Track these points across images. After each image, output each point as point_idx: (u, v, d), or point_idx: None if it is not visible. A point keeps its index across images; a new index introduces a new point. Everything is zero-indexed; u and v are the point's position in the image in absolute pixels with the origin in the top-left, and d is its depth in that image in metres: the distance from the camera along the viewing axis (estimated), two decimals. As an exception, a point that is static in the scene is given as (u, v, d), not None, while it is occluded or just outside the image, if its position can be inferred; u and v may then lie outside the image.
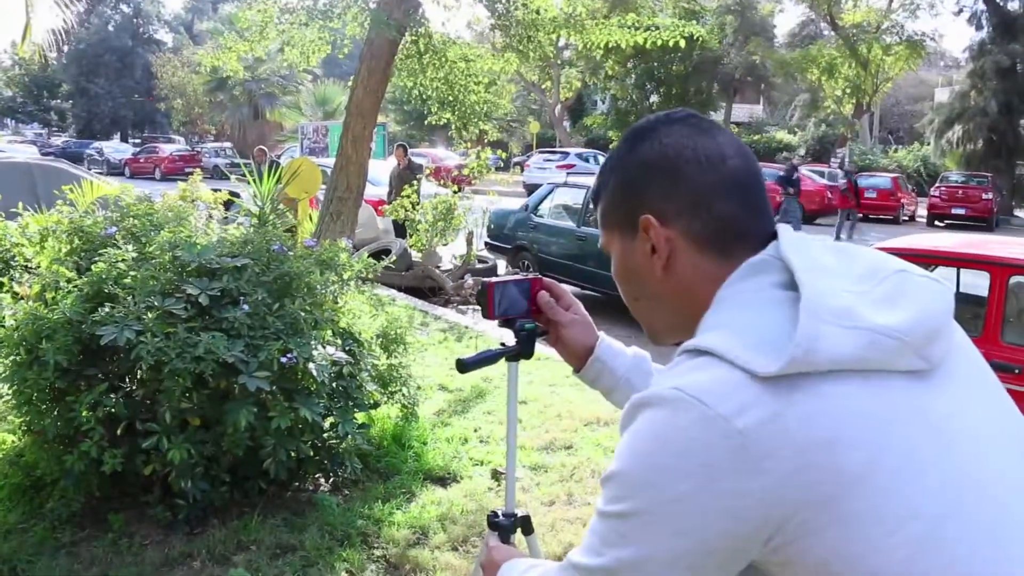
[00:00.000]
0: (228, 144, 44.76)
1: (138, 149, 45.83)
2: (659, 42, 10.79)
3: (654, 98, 41.14)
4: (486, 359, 1.80)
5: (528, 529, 2.16)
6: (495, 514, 2.03)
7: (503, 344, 1.82)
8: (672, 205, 1.17)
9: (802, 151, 41.61)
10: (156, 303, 3.95)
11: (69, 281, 4.25)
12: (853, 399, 0.98)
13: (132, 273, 4.16)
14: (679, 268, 1.18)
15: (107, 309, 3.97)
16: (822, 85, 37.56)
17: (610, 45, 11.43)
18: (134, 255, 4.29)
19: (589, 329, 1.72)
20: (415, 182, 11.59)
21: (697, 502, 0.97)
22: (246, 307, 3.98)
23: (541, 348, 6.89)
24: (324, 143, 28.07)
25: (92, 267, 4.30)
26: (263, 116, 43.36)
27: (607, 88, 41.94)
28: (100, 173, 21.29)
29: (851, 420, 0.97)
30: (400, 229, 12.12)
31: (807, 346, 0.97)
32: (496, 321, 1.76)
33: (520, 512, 2.11)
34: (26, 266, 8.21)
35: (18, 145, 32.14)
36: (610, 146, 41.37)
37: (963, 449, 1.02)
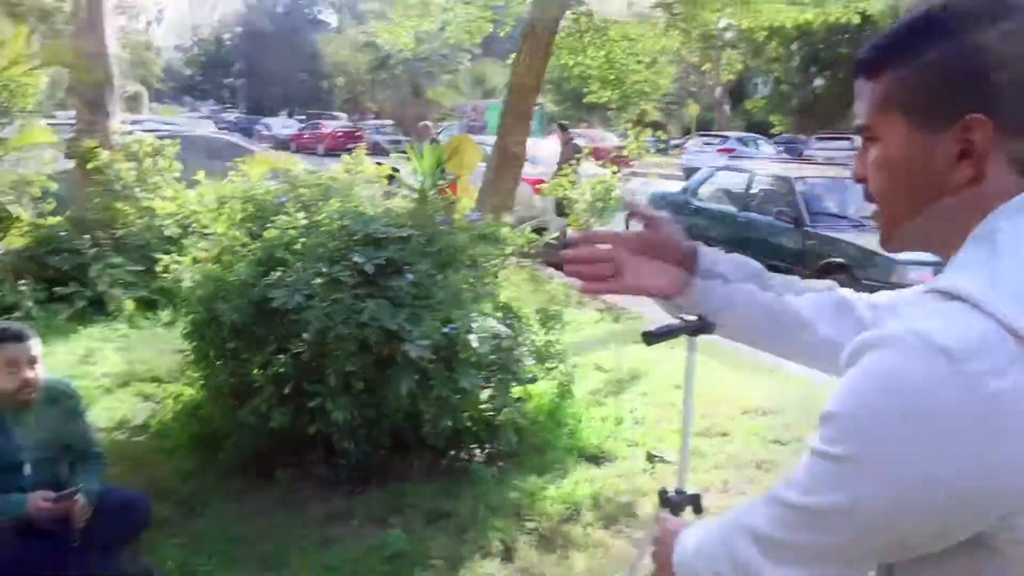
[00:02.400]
0: (389, 122, 45.95)
1: (303, 125, 47.58)
2: (831, 19, 10.34)
3: (818, 81, 39.65)
4: (671, 332, 1.76)
5: (698, 508, 2.12)
6: (667, 491, 2.00)
7: (683, 319, 1.76)
8: (1018, 114, 0.96)
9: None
10: (324, 269, 4.08)
11: (244, 246, 4.43)
12: None
13: (302, 240, 4.31)
14: (986, 186, 0.98)
15: (278, 273, 4.13)
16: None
17: (774, 25, 11.03)
18: (304, 223, 4.44)
19: (680, 235, 1.49)
20: (574, 161, 11.55)
21: (925, 459, 0.87)
22: (411, 276, 4.06)
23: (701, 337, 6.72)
24: (482, 121, 28.40)
25: (264, 233, 4.48)
26: (423, 94, 44.25)
27: (769, 71, 40.70)
28: (268, 147, 22.19)
29: None
30: (562, 209, 12.11)
31: None
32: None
33: (691, 491, 2.07)
34: (203, 232, 8.67)
35: (196, 120, 33.86)
36: (771, 131, 40.25)
37: None
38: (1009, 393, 0.83)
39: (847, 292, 1.45)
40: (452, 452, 4.75)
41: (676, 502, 2.00)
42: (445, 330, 4.01)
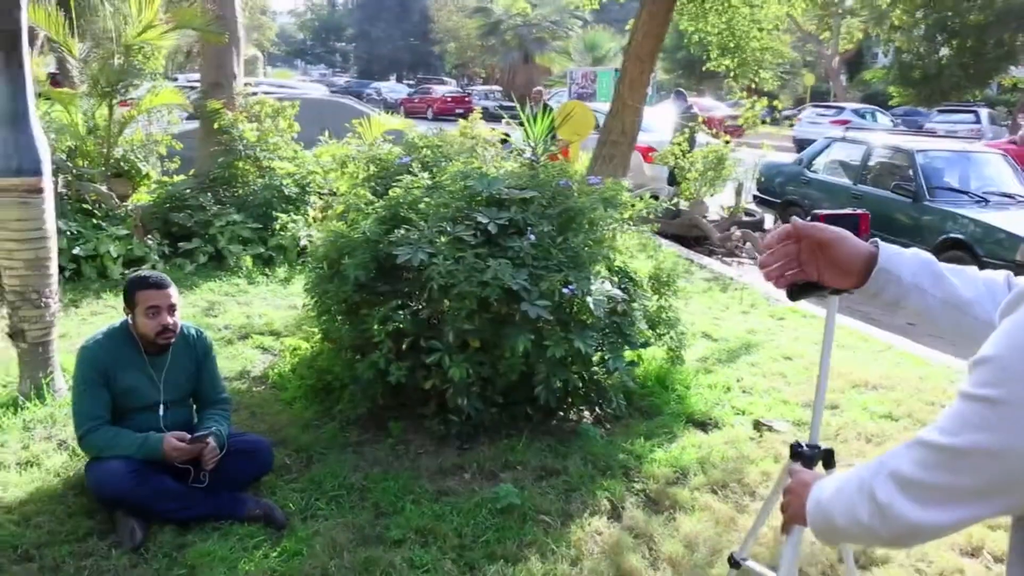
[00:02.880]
0: (497, 88, 46.00)
1: (412, 90, 48.06)
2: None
3: (944, 51, 37.96)
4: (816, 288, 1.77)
5: (830, 463, 2.14)
6: (799, 444, 2.03)
7: None
8: None
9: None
10: (447, 228, 4.17)
11: (369, 204, 4.56)
12: None
13: (425, 199, 4.40)
14: None
15: (402, 231, 4.23)
16: None
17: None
18: (428, 183, 4.53)
19: (858, 241, 1.55)
20: (687, 130, 11.42)
21: None
22: (532, 237, 4.11)
23: (810, 307, 6.64)
24: (592, 89, 28.15)
25: (389, 192, 4.59)
26: (532, 60, 44.09)
27: (891, 40, 39.09)
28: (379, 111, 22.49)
29: None
30: (674, 178, 12.02)
31: None
32: None
33: (824, 445, 2.09)
34: (319, 191, 8.93)
35: (309, 84, 34.55)
36: (890, 103, 38.80)
37: None
38: None
39: None
40: (560, 413, 4.82)
41: (808, 456, 2.02)
42: (565, 291, 4.06)
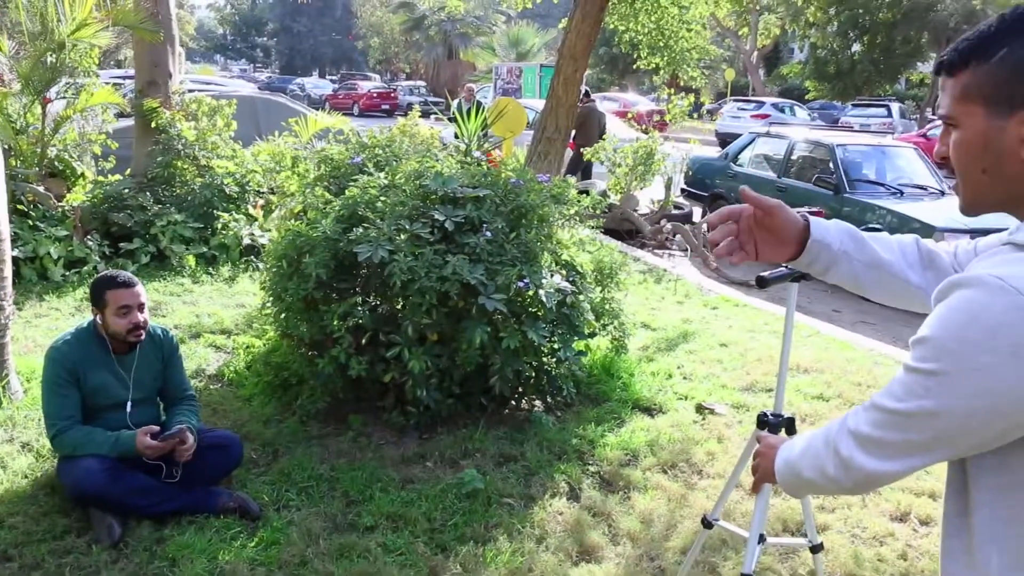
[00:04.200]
0: (422, 83, 45.96)
1: (337, 85, 47.73)
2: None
3: (856, 47, 39.20)
4: (780, 276, 2.01)
5: (792, 430, 2.39)
6: (765, 414, 2.27)
7: (787, 266, 2.01)
8: None
9: None
10: (405, 226, 4.33)
11: (327, 203, 4.69)
12: None
13: (382, 198, 4.55)
14: None
15: (361, 230, 4.38)
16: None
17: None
18: (384, 182, 4.68)
19: (792, 213, 1.70)
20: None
21: (998, 374, 1.15)
22: (488, 233, 4.30)
23: (742, 296, 6.98)
24: (517, 84, 28.39)
25: (345, 191, 4.72)
26: (457, 56, 44.19)
27: (806, 36, 40.22)
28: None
29: None
30: (575, 168, 12.32)
31: None
32: None
33: (787, 414, 2.34)
34: (259, 190, 8.96)
35: (234, 80, 34.07)
36: (806, 97, 39.87)
37: None
38: None
39: (930, 243, 1.72)
40: (514, 402, 5.02)
41: (774, 424, 2.29)
42: (519, 284, 4.25)
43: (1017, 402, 1.15)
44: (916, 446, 1.27)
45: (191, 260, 7.85)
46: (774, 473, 1.62)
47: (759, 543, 2.54)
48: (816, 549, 3.03)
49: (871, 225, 9.26)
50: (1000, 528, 1.26)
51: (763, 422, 2.33)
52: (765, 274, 2.06)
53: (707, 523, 3.06)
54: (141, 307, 3.83)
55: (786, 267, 2.06)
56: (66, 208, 7.88)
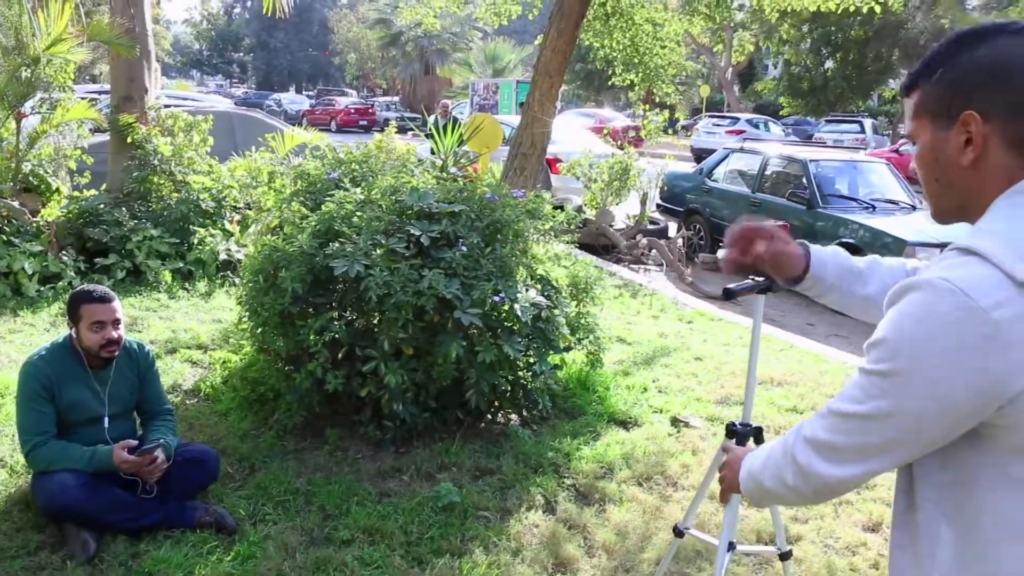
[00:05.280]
0: (399, 99, 46.05)
1: (315, 101, 47.71)
2: (851, 8, 10.59)
3: (829, 64, 39.69)
4: (746, 289, 2.08)
5: (760, 440, 2.44)
6: (734, 424, 2.33)
7: (753, 279, 2.07)
8: (997, 107, 1.30)
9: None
10: (381, 241, 4.36)
11: (304, 218, 4.71)
12: None
13: (358, 214, 4.58)
14: (987, 163, 1.33)
15: (337, 244, 4.40)
16: (1018, 53, 34.99)
17: (790, 9, 11.26)
18: (361, 197, 4.71)
19: (795, 246, 1.88)
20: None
21: (948, 372, 1.22)
22: (464, 248, 4.34)
23: (716, 310, 7.07)
24: (494, 100, 28.50)
25: (322, 206, 4.75)
26: (433, 72, 44.30)
27: (780, 52, 40.68)
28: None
29: None
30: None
31: None
32: None
33: (754, 424, 2.39)
34: (235, 205, 8.96)
35: (210, 95, 33.99)
36: (780, 112, 40.25)
37: None
38: (1006, 321, 1.19)
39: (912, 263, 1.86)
40: (490, 416, 5.05)
41: (742, 433, 2.34)
42: (495, 299, 4.29)
43: (966, 398, 1.23)
44: (872, 449, 1.33)
45: (167, 275, 7.83)
46: (739, 483, 1.67)
47: (729, 551, 2.59)
48: (785, 556, 3.08)
49: (844, 239, 9.37)
50: (942, 522, 1.33)
51: (732, 432, 2.40)
52: (731, 286, 2.14)
53: (678, 532, 3.10)
54: (116, 323, 3.83)
55: (752, 280, 2.12)
56: (41, 223, 7.85)
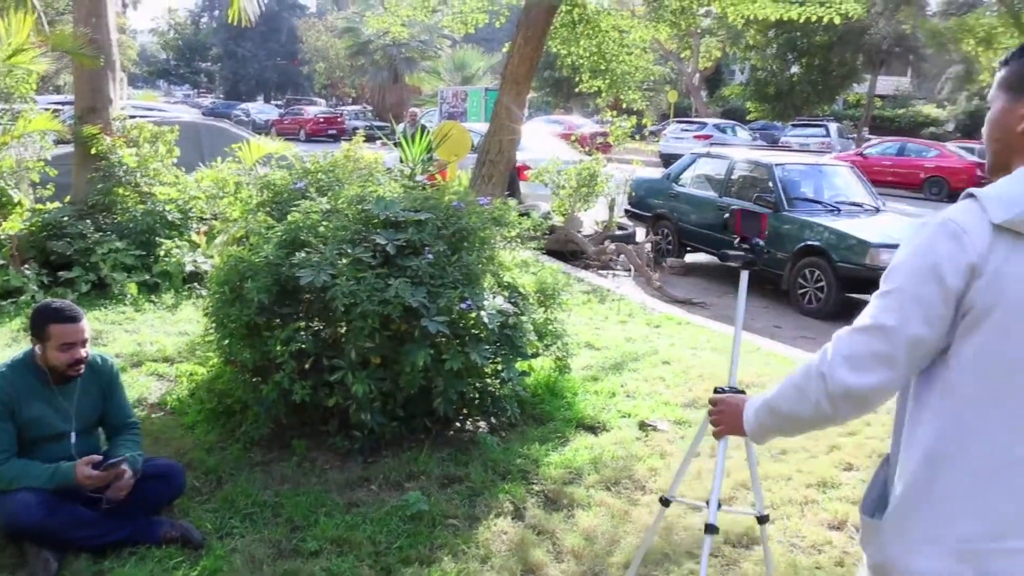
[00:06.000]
0: (368, 107, 45.92)
1: (283, 110, 47.50)
2: (813, 17, 10.72)
3: (795, 68, 40.10)
4: (737, 257, 2.75)
5: None
6: (721, 389, 2.63)
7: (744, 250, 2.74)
8: None
9: (951, 126, 39.93)
10: (347, 250, 4.35)
11: (270, 228, 4.69)
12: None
13: (324, 223, 4.57)
14: None
15: (303, 254, 4.39)
16: (978, 56, 35.70)
17: (754, 17, 11.36)
18: (327, 207, 4.70)
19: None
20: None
21: (926, 278, 1.59)
22: (430, 256, 4.34)
23: (684, 314, 7.11)
24: (463, 108, 28.54)
25: (287, 216, 4.74)
26: (402, 80, 44.22)
27: (747, 58, 41.07)
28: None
29: (1021, 275, 1.55)
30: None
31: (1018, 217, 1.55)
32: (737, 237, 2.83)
33: (740, 388, 2.72)
34: (202, 216, 8.90)
35: (178, 106, 33.76)
36: (747, 117, 40.58)
37: None
38: (974, 235, 1.58)
39: None
40: (458, 423, 5.05)
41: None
42: (462, 306, 4.30)
43: (941, 294, 1.58)
44: (883, 358, 1.63)
45: (133, 288, 7.77)
46: (742, 422, 1.97)
47: (716, 507, 2.94)
48: (763, 520, 3.26)
49: (810, 242, 9.46)
50: (911, 432, 1.70)
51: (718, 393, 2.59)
52: (727, 251, 2.88)
53: (665, 501, 3.27)
54: (84, 342, 3.78)
55: (743, 252, 2.77)
56: (2, 236, 7.77)
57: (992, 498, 1.60)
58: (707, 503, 2.98)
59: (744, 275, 2.91)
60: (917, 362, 1.64)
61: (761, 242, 2.89)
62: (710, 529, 2.93)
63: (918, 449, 1.66)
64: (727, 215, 2.96)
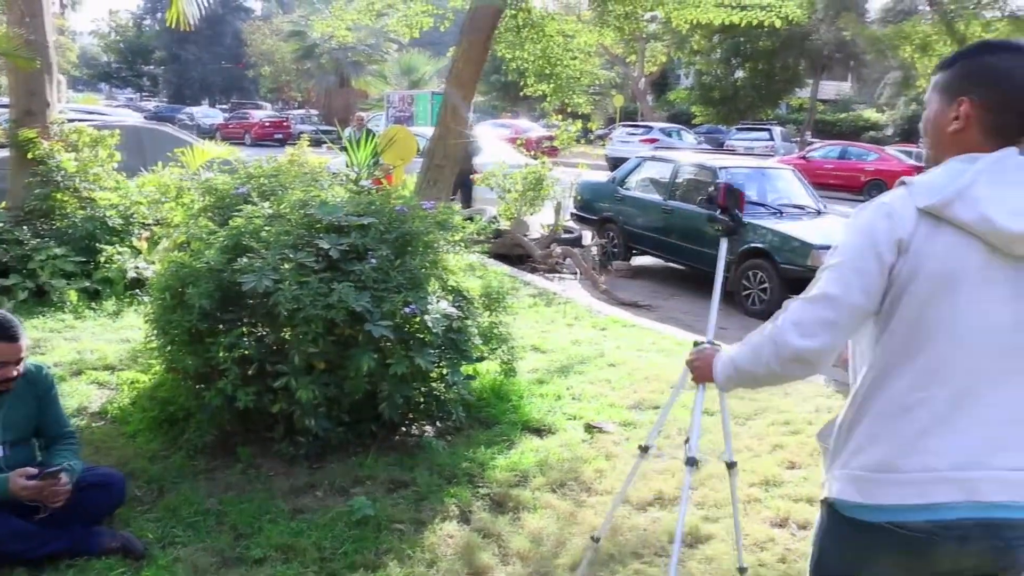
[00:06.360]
0: (315, 112, 45.59)
1: (229, 115, 46.96)
2: (754, 22, 10.88)
3: (740, 73, 40.66)
4: (721, 222, 3.20)
5: None
6: (700, 341, 2.85)
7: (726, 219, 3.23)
8: (984, 100, 1.83)
9: (890, 131, 40.76)
10: (290, 255, 4.33)
11: (211, 233, 4.64)
12: (949, 244, 1.77)
13: (267, 228, 4.54)
14: (962, 136, 1.87)
15: (245, 259, 4.35)
16: (915, 63, 36.50)
17: (698, 22, 11.50)
18: (270, 211, 4.67)
19: None
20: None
21: (863, 254, 1.82)
22: (374, 261, 4.33)
23: (630, 317, 7.15)
24: (410, 112, 28.50)
25: (230, 221, 4.69)
26: (349, 84, 43.98)
27: (692, 62, 41.54)
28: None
29: (937, 252, 1.77)
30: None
31: (943, 204, 1.76)
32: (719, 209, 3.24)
33: (717, 343, 2.85)
34: (144, 222, 8.77)
35: (119, 109, 33.17)
36: (693, 121, 41.04)
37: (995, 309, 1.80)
38: (901, 216, 1.81)
39: None
40: (404, 428, 5.05)
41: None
42: (406, 311, 4.29)
43: (877, 266, 1.81)
44: (827, 323, 1.84)
45: (73, 295, 7.63)
46: (711, 371, 2.19)
47: (690, 466, 3.18)
48: (731, 466, 3.51)
49: (754, 244, 9.60)
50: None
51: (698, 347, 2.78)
52: (715, 214, 3.26)
53: (644, 448, 3.56)
54: (19, 361, 3.68)
55: (726, 219, 3.23)
56: (-64, 244, 7.58)
57: (882, 437, 1.87)
58: (687, 441, 3.23)
59: (723, 242, 3.33)
60: (856, 326, 1.88)
61: (740, 214, 3.26)
62: (691, 462, 3.18)
63: (856, 391, 1.94)
64: (711, 188, 3.34)
